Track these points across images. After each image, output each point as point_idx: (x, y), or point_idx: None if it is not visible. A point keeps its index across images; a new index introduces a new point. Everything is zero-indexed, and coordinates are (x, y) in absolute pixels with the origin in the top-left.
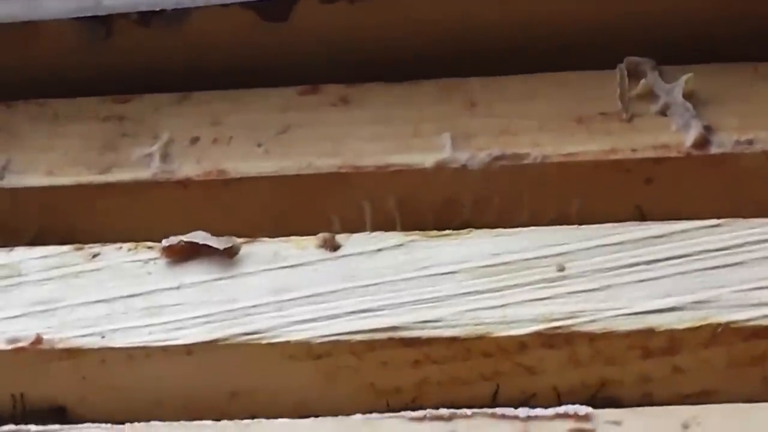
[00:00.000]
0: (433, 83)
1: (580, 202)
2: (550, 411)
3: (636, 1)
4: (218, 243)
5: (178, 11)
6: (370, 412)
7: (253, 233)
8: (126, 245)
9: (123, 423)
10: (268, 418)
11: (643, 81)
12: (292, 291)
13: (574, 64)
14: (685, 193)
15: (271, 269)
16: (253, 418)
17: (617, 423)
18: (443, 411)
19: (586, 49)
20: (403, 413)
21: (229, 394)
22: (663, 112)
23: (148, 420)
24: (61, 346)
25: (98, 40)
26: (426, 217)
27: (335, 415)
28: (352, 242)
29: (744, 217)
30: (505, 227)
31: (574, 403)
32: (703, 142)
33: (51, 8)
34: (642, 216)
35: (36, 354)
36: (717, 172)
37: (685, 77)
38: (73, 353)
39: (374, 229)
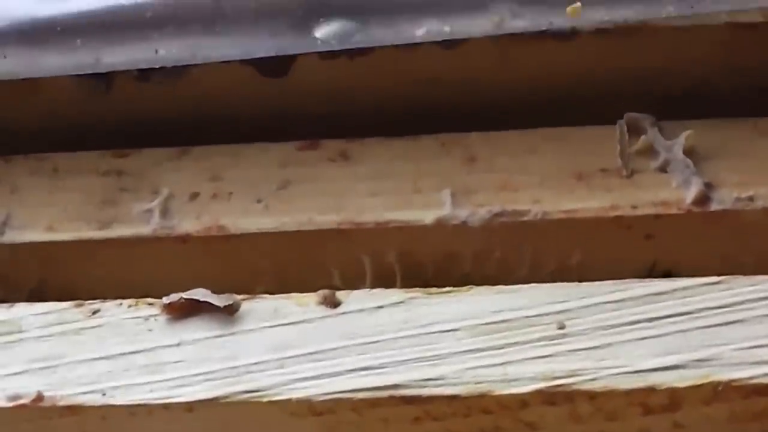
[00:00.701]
0: (433, 138)
1: (580, 258)
2: None
3: (636, 56)
4: (219, 300)
5: (178, 67)
6: None
7: (253, 289)
8: (126, 302)
9: None
10: None
11: (643, 137)
12: (293, 348)
13: (573, 119)
14: (686, 250)
15: (271, 326)
16: None
17: None
18: None
19: (585, 104)
20: None
21: None
22: (663, 169)
23: None
24: (62, 403)
25: (98, 95)
26: (426, 270)
27: None
28: (352, 299)
29: (745, 274)
30: (505, 281)
31: None
32: (703, 199)
33: (50, 65)
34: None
35: (37, 411)
36: (717, 228)
37: (685, 134)
38: (75, 410)
39: (375, 283)
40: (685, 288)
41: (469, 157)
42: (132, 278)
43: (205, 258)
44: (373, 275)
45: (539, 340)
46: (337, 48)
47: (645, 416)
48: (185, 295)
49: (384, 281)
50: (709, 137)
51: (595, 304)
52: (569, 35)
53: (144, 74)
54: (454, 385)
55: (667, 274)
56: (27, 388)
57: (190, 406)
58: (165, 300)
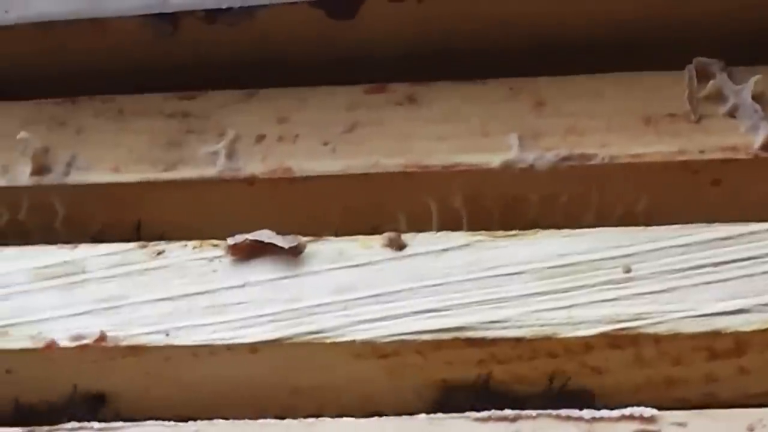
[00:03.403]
0: (501, 82)
1: (647, 202)
2: (615, 412)
3: (706, 1)
4: (283, 242)
5: (245, 8)
6: (435, 412)
7: (318, 232)
8: (191, 243)
9: (186, 420)
10: (332, 416)
11: (711, 82)
12: (357, 290)
13: (642, 64)
14: (753, 195)
15: (336, 268)
16: (317, 416)
17: (682, 425)
18: (508, 412)
19: (655, 49)
20: (467, 413)
21: (293, 392)
22: (731, 114)
23: (211, 417)
24: (125, 343)
25: (164, 37)
26: (492, 215)
27: (400, 413)
28: (418, 242)
29: None
30: (572, 227)
31: (639, 404)
32: None
33: (117, 5)
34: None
35: (100, 351)
36: None
37: (754, 79)
38: (137, 350)
39: (440, 227)
40: (751, 233)
41: (537, 101)
42: (197, 221)
43: (271, 200)
44: (439, 219)
45: (605, 283)
46: None
47: (710, 361)
48: (250, 236)
49: (450, 226)
50: None
51: (662, 248)
52: None
53: (210, 16)
54: (519, 327)
55: (735, 219)
56: (90, 328)
57: (253, 347)
58: (230, 241)
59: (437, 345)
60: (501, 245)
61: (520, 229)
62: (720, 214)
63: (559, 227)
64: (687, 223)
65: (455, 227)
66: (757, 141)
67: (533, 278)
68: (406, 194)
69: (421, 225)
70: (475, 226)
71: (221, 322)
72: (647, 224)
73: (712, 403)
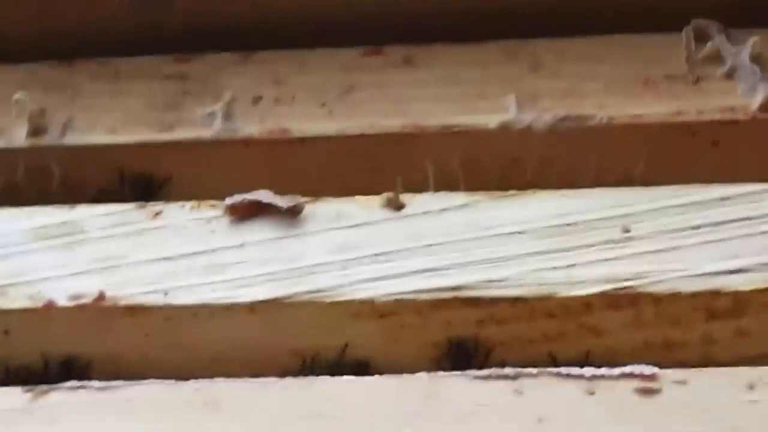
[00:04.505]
0: (498, 44)
1: (645, 164)
2: (616, 370)
3: None
4: (282, 201)
5: None
6: (435, 371)
7: (315, 193)
8: (189, 203)
9: (187, 379)
10: (331, 375)
11: (709, 44)
12: (356, 250)
13: (640, 26)
14: (752, 156)
15: (335, 228)
16: (316, 375)
17: (683, 382)
18: (508, 370)
19: (652, 11)
20: (467, 372)
21: (292, 351)
22: (729, 75)
23: (211, 377)
24: (124, 303)
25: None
26: (490, 177)
27: (399, 372)
28: (416, 202)
29: None
30: (569, 188)
31: (636, 364)
32: None
33: None
34: None
35: (99, 311)
36: None
37: (752, 40)
38: (136, 311)
39: (437, 189)
40: (750, 193)
41: (535, 64)
42: (195, 181)
43: (268, 161)
44: (436, 181)
45: (604, 243)
46: None
47: (708, 322)
48: (248, 196)
49: (447, 187)
50: None
51: (661, 208)
52: None
53: None
54: (518, 286)
55: (733, 180)
56: (89, 287)
57: (252, 307)
58: (228, 201)
59: (436, 304)
60: (499, 205)
61: (518, 190)
62: (718, 175)
63: (556, 188)
64: (685, 184)
65: (452, 189)
66: (755, 102)
67: (532, 238)
68: (403, 156)
69: (418, 186)
70: (472, 187)
71: (220, 282)
72: (645, 185)
73: (710, 365)
